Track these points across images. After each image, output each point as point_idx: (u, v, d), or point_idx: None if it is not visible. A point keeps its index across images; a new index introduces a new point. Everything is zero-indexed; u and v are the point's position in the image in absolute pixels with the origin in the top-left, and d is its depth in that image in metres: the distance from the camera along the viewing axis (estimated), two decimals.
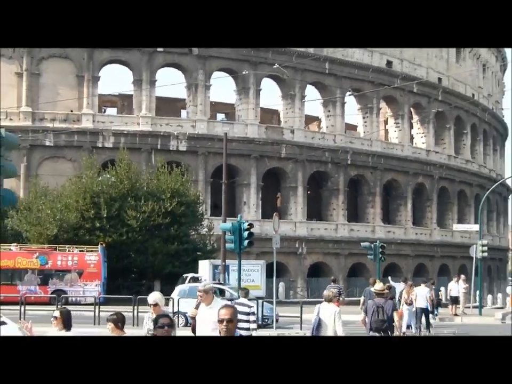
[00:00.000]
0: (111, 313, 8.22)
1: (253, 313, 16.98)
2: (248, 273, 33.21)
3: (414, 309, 25.64)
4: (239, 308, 15.85)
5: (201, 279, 32.70)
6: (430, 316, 27.72)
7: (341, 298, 25.39)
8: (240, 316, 14.79)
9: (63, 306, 7.44)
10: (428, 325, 26.60)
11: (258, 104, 54.47)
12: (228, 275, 33.44)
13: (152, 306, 9.55)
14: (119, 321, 7.93)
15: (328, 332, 14.43)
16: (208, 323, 8.39)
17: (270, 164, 53.48)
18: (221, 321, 5.51)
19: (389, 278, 35.94)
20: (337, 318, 14.42)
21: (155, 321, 6.03)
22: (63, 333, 7.66)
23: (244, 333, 15.75)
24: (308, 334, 17.29)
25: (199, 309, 9.72)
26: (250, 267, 33.81)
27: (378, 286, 16.89)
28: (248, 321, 16.36)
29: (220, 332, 5.60)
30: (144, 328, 10.00)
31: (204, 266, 34.41)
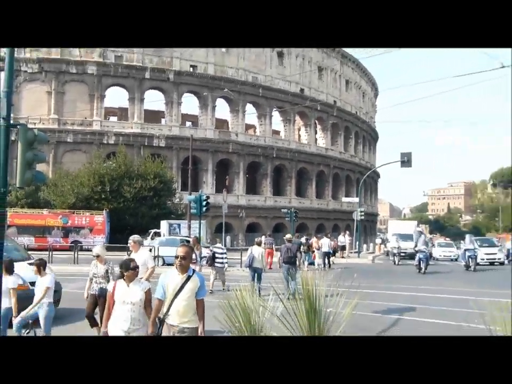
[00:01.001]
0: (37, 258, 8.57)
1: (225, 253, 17.91)
2: (194, 229, 31.62)
3: (321, 252, 27.67)
4: (217, 250, 17.88)
5: (161, 234, 34.02)
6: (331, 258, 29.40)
7: (273, 247, 28.56)
8: (218, 255, 17.38)
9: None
10: (329, 262, 28.19)
11: (214, 116, 56.04)
12: (180, 231, 34.67)
13: (95, 257, 9.00)
14: (41, 265, 7.93)
15: (257, 264, 15.98)
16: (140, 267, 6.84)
17: (221, 156, 55.37)
18: (176, 257, 5.25)
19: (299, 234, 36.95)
20: (263, 256, 16.64)
21: (126, 265, 5.58)
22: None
23: (219, 265, 17.29)
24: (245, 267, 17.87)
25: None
26: (196, 225, 31.64)
27: (288, 236, 18.27)
28: (222, 258, 17.39)
29: (175, 266, 5.31)
30: (90, 273, 8.99)
31: (163, 225, 34.70)
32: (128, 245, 9.79)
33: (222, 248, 18.45)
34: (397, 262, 32.35)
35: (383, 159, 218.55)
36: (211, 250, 18.41)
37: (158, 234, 34.57)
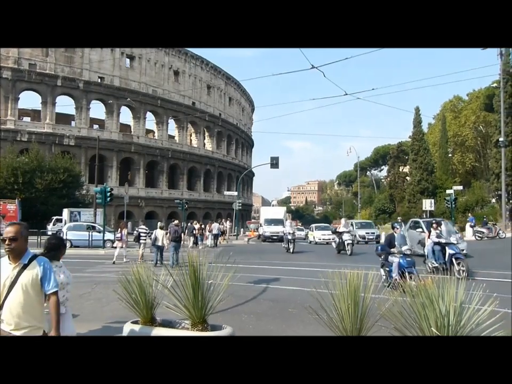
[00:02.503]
0: None
1: (148, 233, 19.08)
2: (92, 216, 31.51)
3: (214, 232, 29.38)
4: (142, 230, 19.09)
5: (62, 220, 31.35)
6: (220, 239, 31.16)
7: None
8: (142, 235, 18.62)
9: None
10: (217, 242, 29.68)
11: (118, 121, 53.80)
12: (80, 218, 31.78)
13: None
14: None
15: (159, 243, 17.00)
16: None
17: (124, 155, 53.36)
18: (3, 240, 3.27)
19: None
20: (164, 237, 17.21)
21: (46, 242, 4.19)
22: None
23: (143, 241, 18.56)
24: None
25: None
26: (98, 213, 31.70)
27: (176, 221, 18.96)
28: (145, 236, 18.83)
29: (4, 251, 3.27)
30: None
31: (65, 212, 31.85)
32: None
33: (146, 229, 19.68)
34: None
35: (257, 161, 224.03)
36: (137, 231, 20.25)
37: (59, 220, 32.34)
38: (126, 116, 58.16)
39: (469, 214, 37.71)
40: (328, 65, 58.52)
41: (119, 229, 19.72)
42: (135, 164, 55.50)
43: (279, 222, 35.89)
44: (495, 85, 39.55)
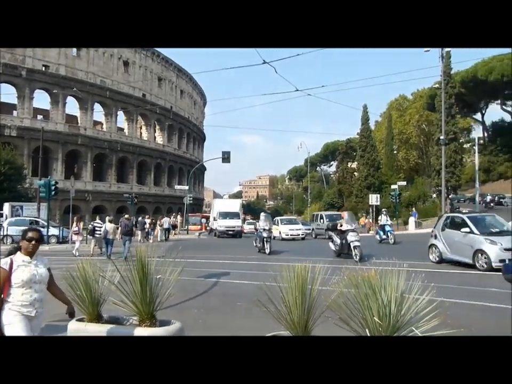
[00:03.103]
0: None
1: (102, 227, 18.48)
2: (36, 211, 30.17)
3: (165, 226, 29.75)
4: (97, 224, 18.94)
5: (3, 215, 29.51)
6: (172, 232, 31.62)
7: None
8: (97, 228, 18.55)
9: None
10: (168, 236, 29.88)
11: (64, 111, 51.68)
12: (22, 212, 30.41)
13: None
14: None
15: (110, 236, 17.26)
16: None
17: (70, 147, 51.27)
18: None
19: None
20: (114, 230, 17.63)
21: (24, 234, 3.69)
22: None
23: (98, 236, 18.44)
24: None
25: None
26: (42, 208, 30.29)
27: (126, 216, 19.73)
28: (100, 230, 18.29)
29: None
30: None
31: (6, 207, 30.30)
32: None
33: (100, 223, 19.39)
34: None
35: (209, 155, 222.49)
36: (92, 225, 20.21)
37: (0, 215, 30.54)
38: (72, 106, 56.22)
39: (413, 209, 39.46)
40: (279, 61, 59.00)
41: (75, 223, 20.16)
42: (82, 157, 53.62)
43: (234, 215, 33.88)
44: (436, 85, 41.41)
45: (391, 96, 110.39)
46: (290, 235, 28.50)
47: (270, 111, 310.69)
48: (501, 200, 45.83)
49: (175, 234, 34.19)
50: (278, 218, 32.72)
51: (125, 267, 4.41)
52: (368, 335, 3.26)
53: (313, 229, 33.26)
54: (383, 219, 23.34)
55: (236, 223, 33.20)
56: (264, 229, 18.53)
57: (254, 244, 19.63)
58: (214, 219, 34.72)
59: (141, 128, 66.17)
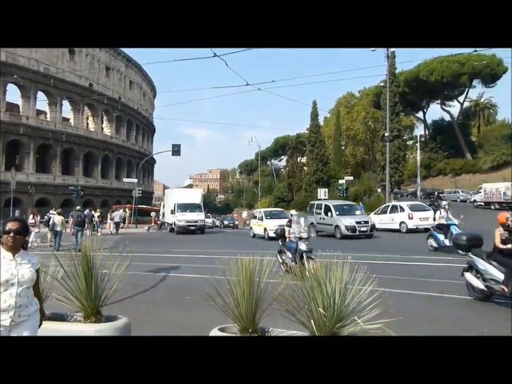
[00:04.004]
0: None
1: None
2: None
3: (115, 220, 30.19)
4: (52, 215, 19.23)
5: None
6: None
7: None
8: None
9: None
10: (118, 230, 30.12)
11: (4, 99, 48.75)
12: None
13: None
14: None
15: (58, 228, 17.46)
16: None
17: (11, 137, 48.69)
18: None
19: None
20: (62, 222, 17.54)
21: (3, 225, 3.17)
22: None
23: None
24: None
25: None
26: None
27: (78, 207, 19.60)
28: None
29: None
30: None
31: None
32: None
33: (50, 215, 20.14)
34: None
35: (159, 148, 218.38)
36: (48, 216, 20.58)
37: None
38: (13, 94, 53.11)
39: (359, 203, 40.69)
40: (230, 55, 58.82)
41: (32, 215, 20.13)
42: (24, 147, 50.87)
43: (196, 207, 29.42)
44: (382, 84, 42.85)
45: (339, 93, 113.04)
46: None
47: (221, 105, 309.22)
48: (440, 194, 48.23)
49: (124, 227, 33.65)
50: (261, 210, 25.53)
51: (69, 262, 4.25)
52: (313, 325, 3.34)
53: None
54: (444, 215, 15.42)
55: (198, 216, 28.83)
56: (301, 238, 11.25)
57: (279, 260, 11.57)
58: (172, 212, 29.65)
59: (87, 118, 63.85)
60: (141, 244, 19.58)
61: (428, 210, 23.53)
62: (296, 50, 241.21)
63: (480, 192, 37.30)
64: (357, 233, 21.15)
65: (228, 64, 66.53)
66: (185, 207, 28.88)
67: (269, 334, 3.81)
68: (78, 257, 4.18)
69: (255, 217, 24.97)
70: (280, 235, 12.11)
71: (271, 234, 20.24)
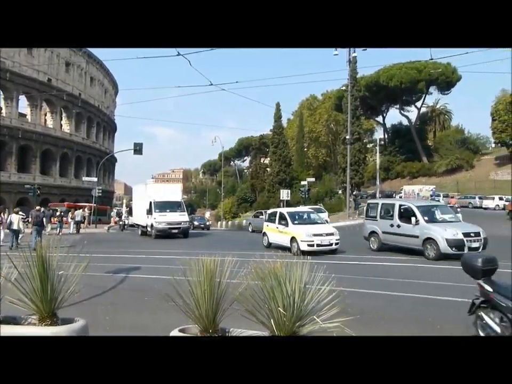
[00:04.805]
0: None
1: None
2: None
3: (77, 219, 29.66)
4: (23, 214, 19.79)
5: None
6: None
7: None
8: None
9: None
10: (79, 229, 29.71)
11: None
12: None
13: None
14: None
15: (15, 227, 17.72)
16: None
17: None
18: None
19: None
20: (19, 221, 17.95)
21: None
22: None
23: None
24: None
25: None
26: None
27: (38, 207, 19.79)
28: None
29: None
30: None
31: None
32: None
33: (22, 214, 19.60)
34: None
35: (120, 146, 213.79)
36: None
37: None
38: None
39: (321, 204, 41.31)
40: (194, 54, 58.53)
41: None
42: None
43: (177, 206, 24.74)
44: (344, 88, 43.68)
45: (302, 96, 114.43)
46: (317, 245, 15.08)
47: (184, 104, 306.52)
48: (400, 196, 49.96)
49: (85, 227, 33.04)
50: (284, 210, 17.82)
51: (23, 263, 4.09)
52: (273, 325, 3.37)
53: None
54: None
55: (180, 217, 24.28)
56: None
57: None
58: (149, 212, 24.30)
59: (45, 115, 61.94)
60: (102, 244, 19.12)
61: None
62: (260, 52, 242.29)
63: (401, 193, 46.02)
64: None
65: (192, 63, 66.12)
66: (163, 206, 24.07)
67: (230, 334, 3.79)
68: (33, 258, 4.03)
69: (271, 219, 18.20)
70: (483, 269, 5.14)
71: (304, 247, 14.93)
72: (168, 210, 24.06)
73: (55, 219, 27.55)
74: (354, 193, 42.68)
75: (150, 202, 24.29)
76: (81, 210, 33.41)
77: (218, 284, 3.70)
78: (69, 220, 29.03)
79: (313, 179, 49.20)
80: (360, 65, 48.51)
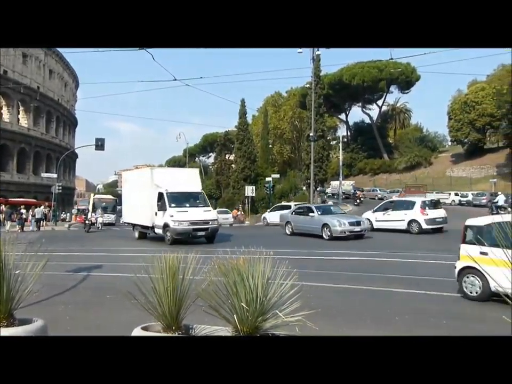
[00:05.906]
0: None
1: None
2: None
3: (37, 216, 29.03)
4: None
5: None
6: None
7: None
8: None
9: None
10: (40, 226, 29.45)
11: None
12: None
13: None
14: None
15: None
16: None
17: None
18: None
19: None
20: None
21: None
22: None
23: None
24: None
25: None
26: None
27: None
28: None
29: None
30: None
31: None
32: None
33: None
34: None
35: (81, 141, 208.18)
36: None
37: None
38: None
39: (283, 201, 41.71)
40: (157, 49, 57.57)
41: None
42: None
43: (197, 199, 18.96)
44: (308, 85, 44.16)
45: (267, 93, 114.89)
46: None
47: (148, 99, 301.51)
48: (363, 192, 51.47)
49: (45, 225, 32.03)
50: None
51: None
52: (236, 320, 3.39)
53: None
54: None
55: (207, 214, 18.28)
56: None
57: None
58: (161, 208, 18.21)
59: (1, 108, 59.12)
60: (62, 242, 18.62)
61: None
62: (225, 48, 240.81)
63: (329, 187, 54.41)
64: None
65: (155, 57, 64.88)
66: (181, 199, 18.27)
67: (193, 331, 3.79)
68: None
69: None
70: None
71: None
72: (187, 205, 18.19)
73: (15, 216, 26.70)
74: (318, 189, 43.31)
75: (161, 194, 18.22)
76: (42, 207, 32.32)
77: (181, 281, 3.69)
78: (29, 217, 28.31)
79: (278, 175, 49.58)
80: (323, 63, 49.23)
